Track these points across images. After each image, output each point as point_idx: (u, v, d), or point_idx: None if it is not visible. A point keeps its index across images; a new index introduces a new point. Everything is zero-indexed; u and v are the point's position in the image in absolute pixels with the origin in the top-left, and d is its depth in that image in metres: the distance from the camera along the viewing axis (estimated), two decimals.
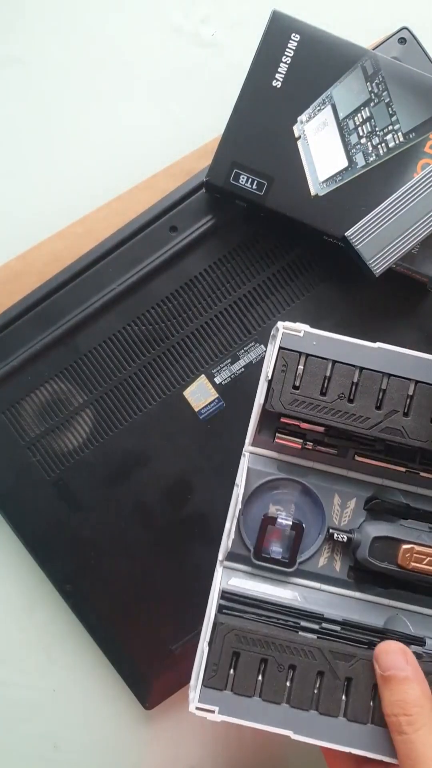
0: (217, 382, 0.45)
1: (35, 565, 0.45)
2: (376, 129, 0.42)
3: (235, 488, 0.40)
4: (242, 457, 0.40)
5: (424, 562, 0.37)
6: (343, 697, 0.37)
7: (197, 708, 0.36)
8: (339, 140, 0.42)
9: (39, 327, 0.44)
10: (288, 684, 0.37)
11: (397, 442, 0.37)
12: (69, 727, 0.48)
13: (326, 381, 0.38)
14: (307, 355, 0.38)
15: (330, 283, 0.45)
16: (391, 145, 0.42)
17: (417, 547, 0.37)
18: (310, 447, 0.39)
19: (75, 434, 0.45)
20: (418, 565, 0.37)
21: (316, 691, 0.37)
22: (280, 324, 0.38)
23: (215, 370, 0.45)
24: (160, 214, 0.45)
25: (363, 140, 0.42)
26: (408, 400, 0.37)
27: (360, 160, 0.42)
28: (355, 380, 0.38)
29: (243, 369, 0.45)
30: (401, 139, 0.42)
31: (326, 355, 0.38)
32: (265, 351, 0.44)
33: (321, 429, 0.39)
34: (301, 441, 0.39)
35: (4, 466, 0.45)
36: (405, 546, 0.37)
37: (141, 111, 0.50)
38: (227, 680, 0.36)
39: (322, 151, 0.42)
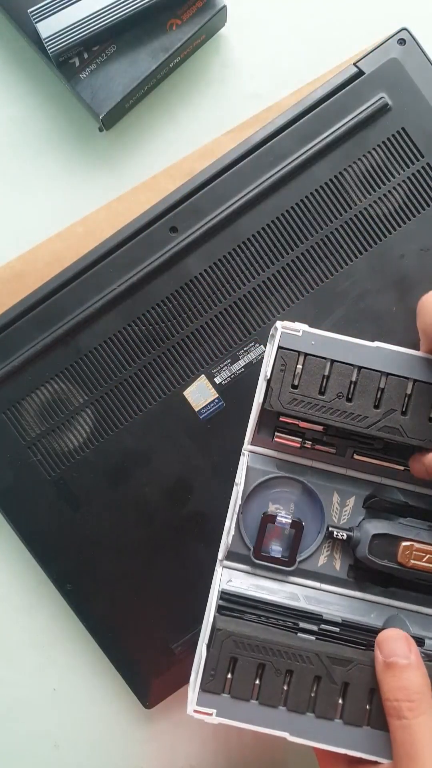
0: (217, 382, 0.45)
1: (35, 565, 0.45)
2: None
3: (234, 487, 0.40)
4: (242, 456, 0.40)
5: (424, 560, 0.37)
6: (340, 700, 0.37)
7: (195, 711, 0.36)
8: None
9: (39, 327, 0.45)
10: (285, 688, 0.37)
11: (395, 441, 0.37)
12: (69, 727, 0.48)
13: (325, 380, 0.38)
14: (306, 355, 0.38)
15: (329, 282, 0.45)
16: None
17: (416, 545, 0.37)
18: (309, 446, 0.39)
19: (75, 434, 0.45)
20: (417, 562, 0.37)
21: (313, 695, 0.37)
22: (278, 323, 0.38)
23: (215, 370, 0.45)
24: (160, 215, 0.45)
25: None
26: (406, 399, 0.37)
27: None
28: (354, 379, 0.38)
29: (243, 369, 0.45)
30: None
31: (325, 355, 0.38)
32: (265, 351, 0.45)
33: (320, 428, 0.39)
34: (300, 440, 0.39)
35: (5, 465, 0.45)
36: (404, 543, 0.37)
37: None
38: (225, 684, 0.36)
39: None
